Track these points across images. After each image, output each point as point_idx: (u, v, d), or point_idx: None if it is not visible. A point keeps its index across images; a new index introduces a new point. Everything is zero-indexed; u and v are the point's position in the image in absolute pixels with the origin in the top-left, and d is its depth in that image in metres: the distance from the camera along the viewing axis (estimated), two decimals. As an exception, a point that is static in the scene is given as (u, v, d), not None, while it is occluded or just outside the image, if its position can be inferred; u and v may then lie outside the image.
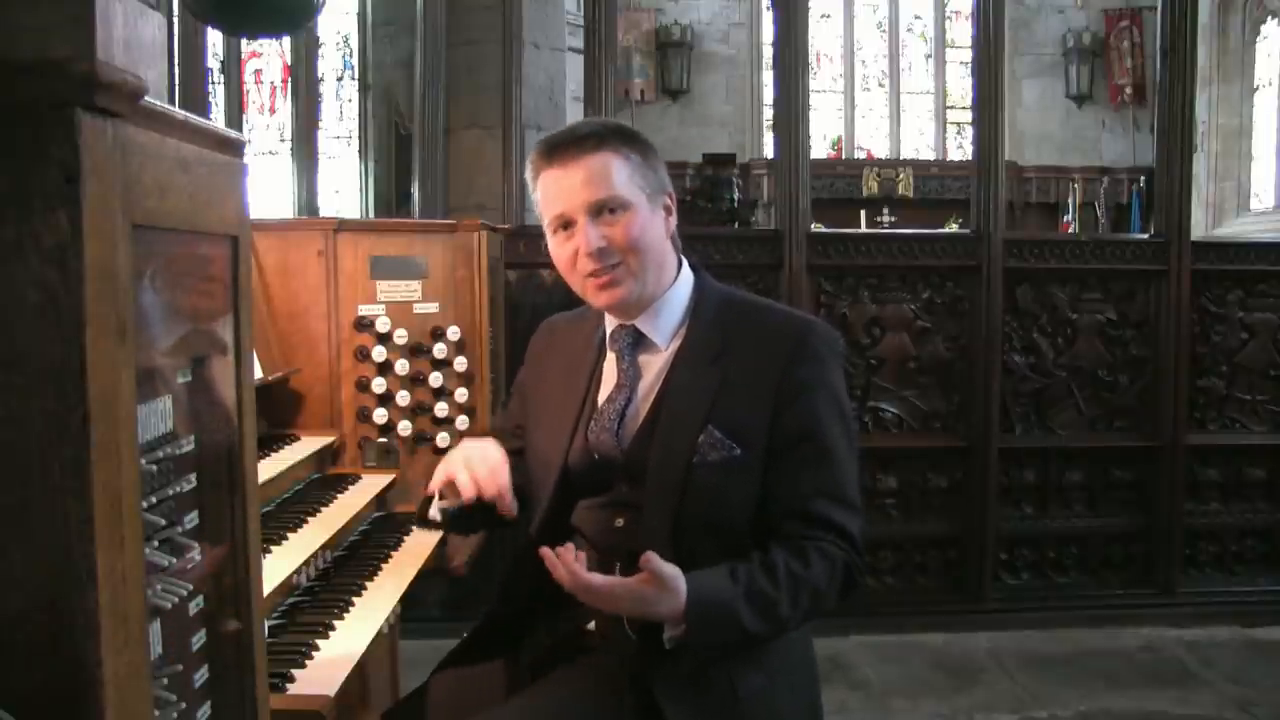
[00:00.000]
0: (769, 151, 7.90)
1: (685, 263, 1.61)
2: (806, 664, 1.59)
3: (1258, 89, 9.21)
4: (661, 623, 1.35)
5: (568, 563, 1.32)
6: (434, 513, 1.55)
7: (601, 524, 1.55)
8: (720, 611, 1.36)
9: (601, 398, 1.59)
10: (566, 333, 1.71)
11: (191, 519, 0.88)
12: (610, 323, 1.61)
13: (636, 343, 1.57)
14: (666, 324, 1.56)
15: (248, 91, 7.98)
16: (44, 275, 0.66)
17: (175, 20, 3.68)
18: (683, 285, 1.59)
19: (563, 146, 1.52)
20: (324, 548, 1.99)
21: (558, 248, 1.54)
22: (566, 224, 1.52)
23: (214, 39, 5.08)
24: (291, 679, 1.50)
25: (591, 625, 1.53)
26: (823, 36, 10.54)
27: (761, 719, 1.46)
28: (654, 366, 1.56)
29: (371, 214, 7.85)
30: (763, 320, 1.57)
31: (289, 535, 1.93)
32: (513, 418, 1.76)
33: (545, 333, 1.76)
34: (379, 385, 2.59)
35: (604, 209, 1.49)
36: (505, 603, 1.63)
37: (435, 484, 1.55)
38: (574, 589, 1.32)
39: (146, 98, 0.73)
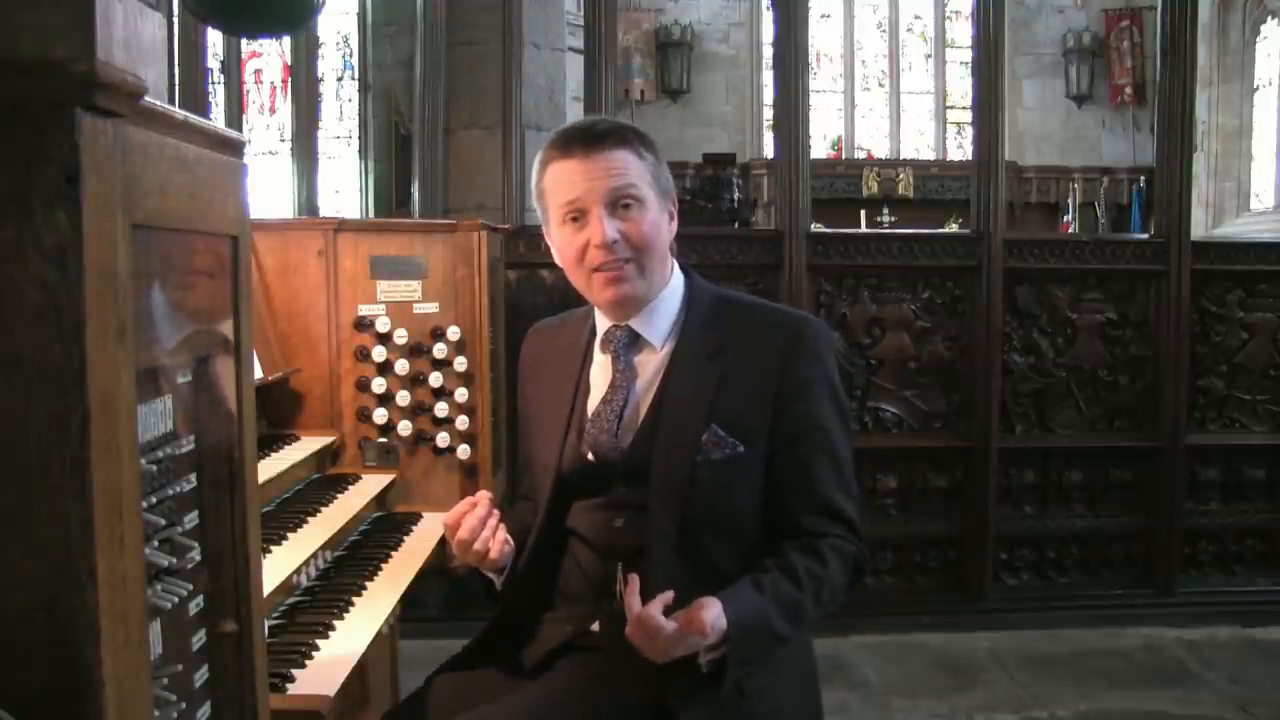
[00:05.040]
0: (769, 151, 7.89)
1: (676, 264, 1.62)
2: (806, 659, 1.60)
3: (1258, 89, 9.19)
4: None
5: (640, 605, 1.34)
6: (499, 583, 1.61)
7: (600, 524, 1.55)
8: (756, 624, 1.38)
9: (593, 399, 1.59)
10: (552, 337, 1.72)
11: (191, 519, 0.88)
12: (602, 323, 1.61)
13: (631, 343, 1.58)
14: (661, 324, 1.57)
15: (248, 91, 7.98)
16: (44, 275, 0.66)
17: (175, 20, 3.68)
18: (675, 286, 1.60)
19: (582, 139, 1.51)
20: (324, 548, 1.99)
21: (566, 240, 1.53)
22: (578, 215, 1.51)
23: (214, 39, 5.08)
24: (291, 679, 1.50)
25: (595, 626, 1.54)
26: (823, 36, 10.52)
27: (767, 715, 1.47)
28: (650, 367, 1.57)
29: (371, 214, 7.85)
30: (758, 318, 1.58)
31: (289, 535, 1.93)
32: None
33: (532, 340, 1.76)
34: (379, 385, 2.59)
35: (621, 203, 1.50)
36: (509, 606, 1.63)
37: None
38: (643, 630, 1.33)
39: (146, 98, 0.73)
